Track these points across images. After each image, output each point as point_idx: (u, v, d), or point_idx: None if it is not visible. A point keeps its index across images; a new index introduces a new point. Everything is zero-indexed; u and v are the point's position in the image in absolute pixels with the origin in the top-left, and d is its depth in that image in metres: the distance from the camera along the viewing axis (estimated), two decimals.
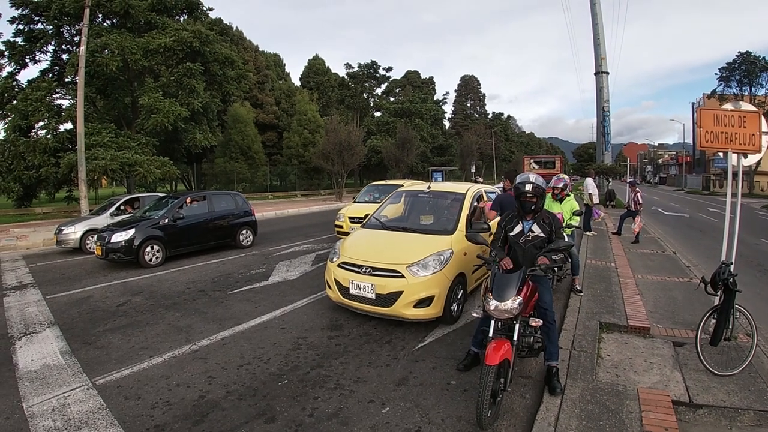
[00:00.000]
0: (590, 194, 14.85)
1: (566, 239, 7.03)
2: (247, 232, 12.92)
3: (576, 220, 7.69)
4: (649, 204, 29.33)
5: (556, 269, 4.23)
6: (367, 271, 5.93)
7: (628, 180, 18.84)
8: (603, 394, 4.07)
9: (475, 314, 4.33)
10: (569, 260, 7.77)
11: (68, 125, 22.99)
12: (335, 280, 6.28)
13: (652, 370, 4.60)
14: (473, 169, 50.24)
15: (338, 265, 6.31)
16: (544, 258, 4.13)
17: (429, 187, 8.01)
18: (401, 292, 5.65)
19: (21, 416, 3.99)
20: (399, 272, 5.75)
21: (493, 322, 3.95)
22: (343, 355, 5.20)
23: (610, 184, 29.27)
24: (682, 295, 7.38)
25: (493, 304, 3.85)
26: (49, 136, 22.43)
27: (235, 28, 49.84)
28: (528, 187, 4.30)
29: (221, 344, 5.60)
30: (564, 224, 7.35)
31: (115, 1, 22.80)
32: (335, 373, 4.73)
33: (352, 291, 5.99)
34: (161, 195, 14.06)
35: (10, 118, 23.51)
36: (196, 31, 24.41)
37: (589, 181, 15.93)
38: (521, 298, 3.86)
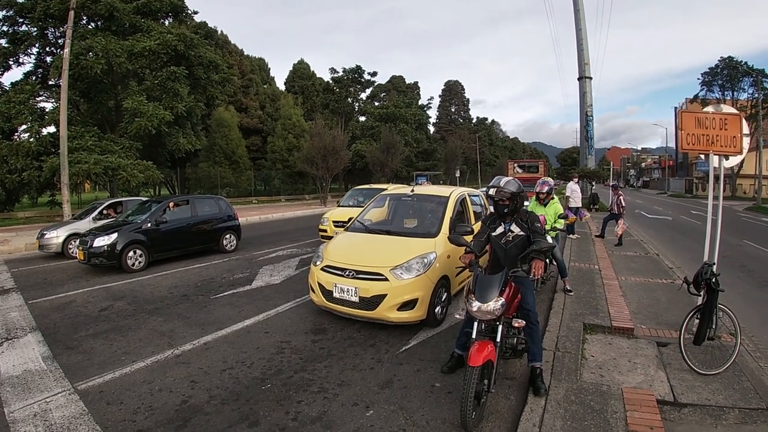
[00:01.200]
0: (567, 197, 15.08)
1: (549, 241, 7.07)
2: (230, 237, 12.87)
3: (560, 223, 7.73)
4: (633, 207, 29.60)
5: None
6: (351, 274, 5.90)
7: (611, 183, 19.01)
8: (587, 394, 4.08)
9: (458, 316, 4.32)
10: (553, 262, 7.83)
11: (51, 128, 22.57)
12: (318, 283, 6.25)
13: (637, 370, 4.62)
14: (457, 174, 50.29)
15: (321, 269, 6.27)
16: (539, 262, 4.09)
17: (413, 191, 8.01)
18: (385, 295, 5.62)
19: (2, 421, 3.94)
20: (382, 275, 5.73)
21: (476, 324, 3.94)
22: (326, 359, 5.17)
23: (594, 187, 29.41)
24: (666, 297, 7.44)
25: (475, 305, 3.84)
26: (32, 140, 22.02)
27: (219, 32, 49.50)
28: (492, 191, 4.38)
29: (204, 349, 5.55)
30: (549, 227, 7.38)
31: (100, 4, 22.55)
32: (319, 377, 4.70)
33: (336, 294, 5.96)
34: (144, 199, 13.94)
35: None
36: (180, 35, 24.27)
37: (570, 184, 16.08)
38: (504, 299, 3.86)
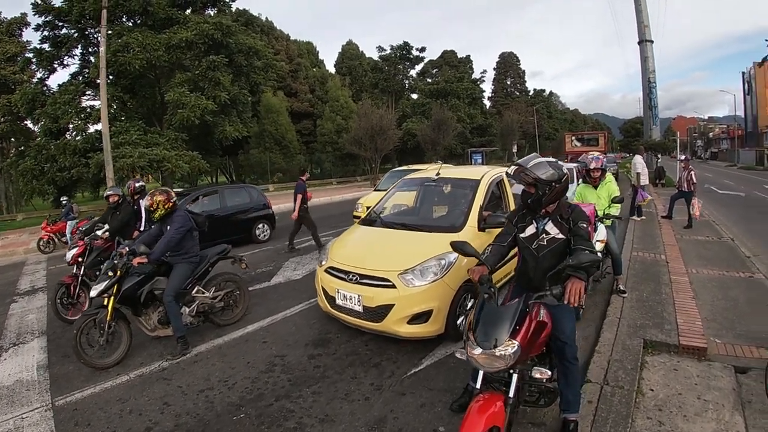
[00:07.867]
0: (638, 174, 13.39)
1: (602, 233, 5.80)
2: (263, 227, 12.44)
3: (616, 209, 6.25)
4: (702, 181, 26.90)
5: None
6: (354, 278, 4.98)
7: (680, 157, 17.11)
8: None
9: (459, 356, 3.13)
10: (608, 257, 6.49)
11: (99, 126, 23.00)
12: (322, 287, 5.41)
13: (707, 413, 3.44)
14: (515, 149, 48.54)
15: (325, 270, 5.41)
16: (577, 283, 2.81)
17: (438, 173, 6.72)
18: (392, 305, 4.65)
19: None
20: (389, 281, 4.74)
21: (481, 372, 2.84)
22: (318, 382, 4.34)
23: (659, 161, 27.10)
24: (744, 296, 6.12)
25: (477, 350, 2.71)
26: (78, 138, 22.84)
27: (264, 19, 49.63)
28: (510, 170, 3.16)
29: (192, 362, 5.00)
30: (602, 214, 6.11)
31: (133, 0, 22.88)
32: (301, 408, 3.92)
33: (339, 301, 5.09)
34: (179, 191, 13.70)
35: (41, 123, 24.11)
36: (217, 23, 24.36)
37: (638, 158, 14.36)
38: (518, 342, 2.69)
